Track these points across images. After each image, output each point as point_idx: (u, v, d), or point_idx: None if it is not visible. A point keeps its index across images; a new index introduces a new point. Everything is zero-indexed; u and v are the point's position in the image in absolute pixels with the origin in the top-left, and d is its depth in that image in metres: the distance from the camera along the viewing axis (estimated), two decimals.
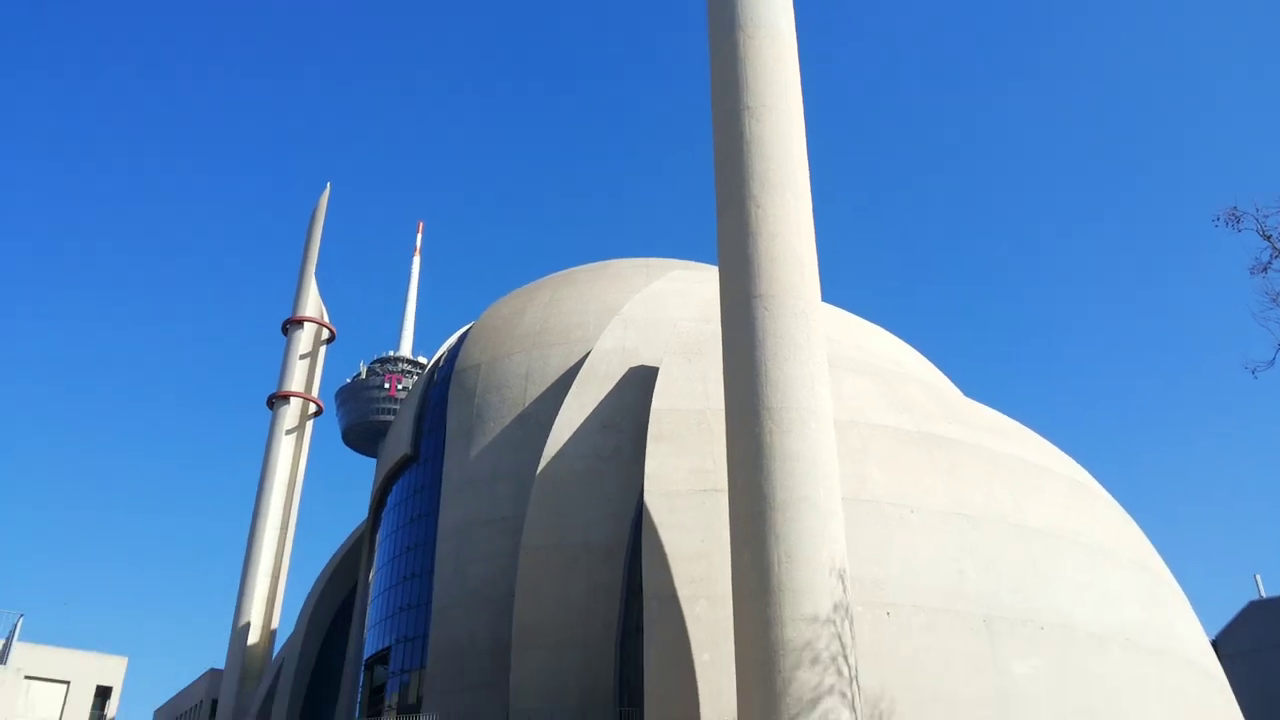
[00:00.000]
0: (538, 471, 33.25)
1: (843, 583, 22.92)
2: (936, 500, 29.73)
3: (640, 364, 35.25)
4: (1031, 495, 32.11)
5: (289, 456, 55.52)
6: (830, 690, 21.23)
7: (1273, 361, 18.55)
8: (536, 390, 37.27)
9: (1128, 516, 36.54)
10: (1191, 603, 35.76)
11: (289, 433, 56.11)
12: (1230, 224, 18.38)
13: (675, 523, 27.83)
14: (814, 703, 21.00)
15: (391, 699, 36.57)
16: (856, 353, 38.29)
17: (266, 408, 57.45)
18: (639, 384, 34.12)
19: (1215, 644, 45.24)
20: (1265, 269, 18.32)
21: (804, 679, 21.21)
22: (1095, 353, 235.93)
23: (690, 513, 28.02)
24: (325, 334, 60.26)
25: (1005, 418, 37.24)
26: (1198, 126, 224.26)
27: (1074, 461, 37.44)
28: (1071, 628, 28.87)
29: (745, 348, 25.17)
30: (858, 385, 33.10)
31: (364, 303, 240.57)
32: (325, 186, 62.74)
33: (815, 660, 21.43)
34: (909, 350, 45.51)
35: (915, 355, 45.58)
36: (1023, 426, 37.36)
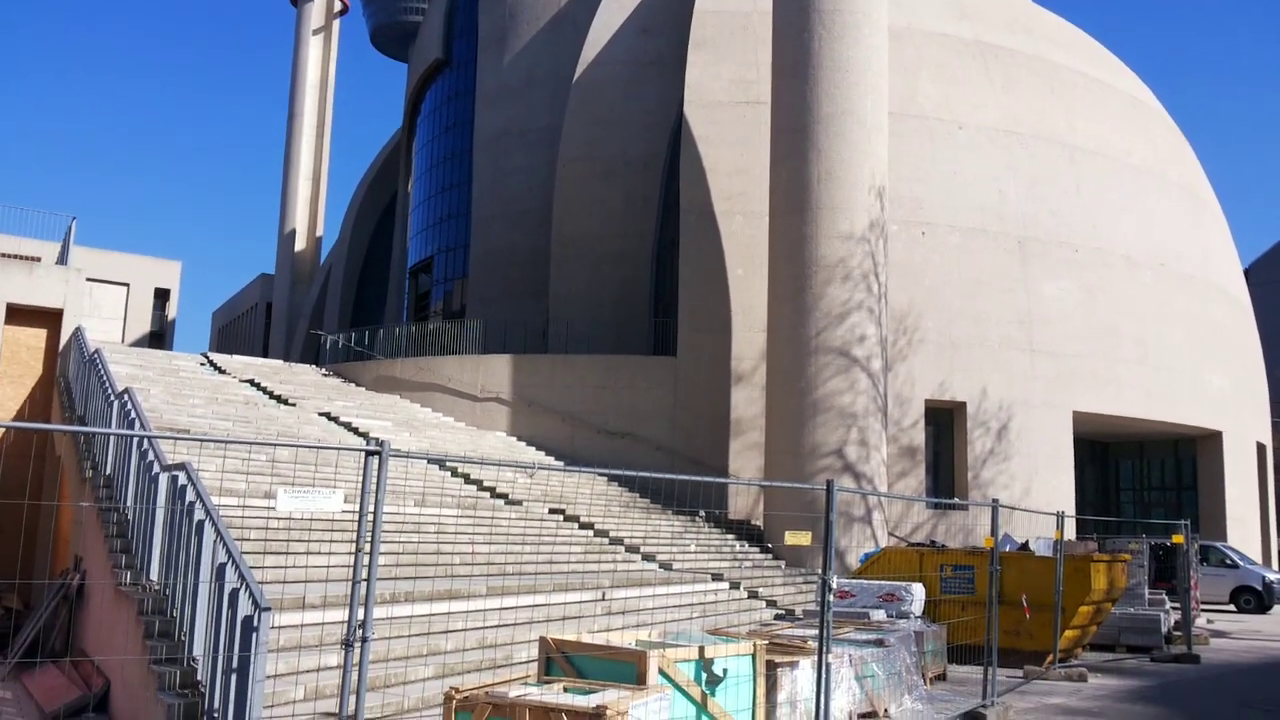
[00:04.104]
0: (574, 79, 32.07)
1: (881, 201, 22.64)
2: (986, 116, 28.59)
3: None
4: (1086, 113, 30.77)
5: (318, 58, 53.87)
6: (859, 305, 21.70)
7: None
8: None
9: (1182, 138, 35.24)
10: (1232, 229, 35.47)
11: (315, 33, 54.02)
12: None
13: (715, 136, 27.14)
14: (842, 317, 21.56)
15: (436, 306, 38.19)
16: None
17: (290, 5, 55.08)
18: None
19: (1248, 272, 45.49)
20: None
21: (834, 294, 21.61)
22: None
23: (730, 125, 27.23)
24: None
25: (1070, 26, 34.77)
26: None
27: (1136, 77, 35.48)
28: (1107, 251, 28.87)
29: None
30: None
31: None
32: None
33: (847, 277, 21.71)
34: None
35: None
36: (1087, 37, 35.02)
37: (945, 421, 26.51)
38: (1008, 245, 27.32)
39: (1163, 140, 33.41)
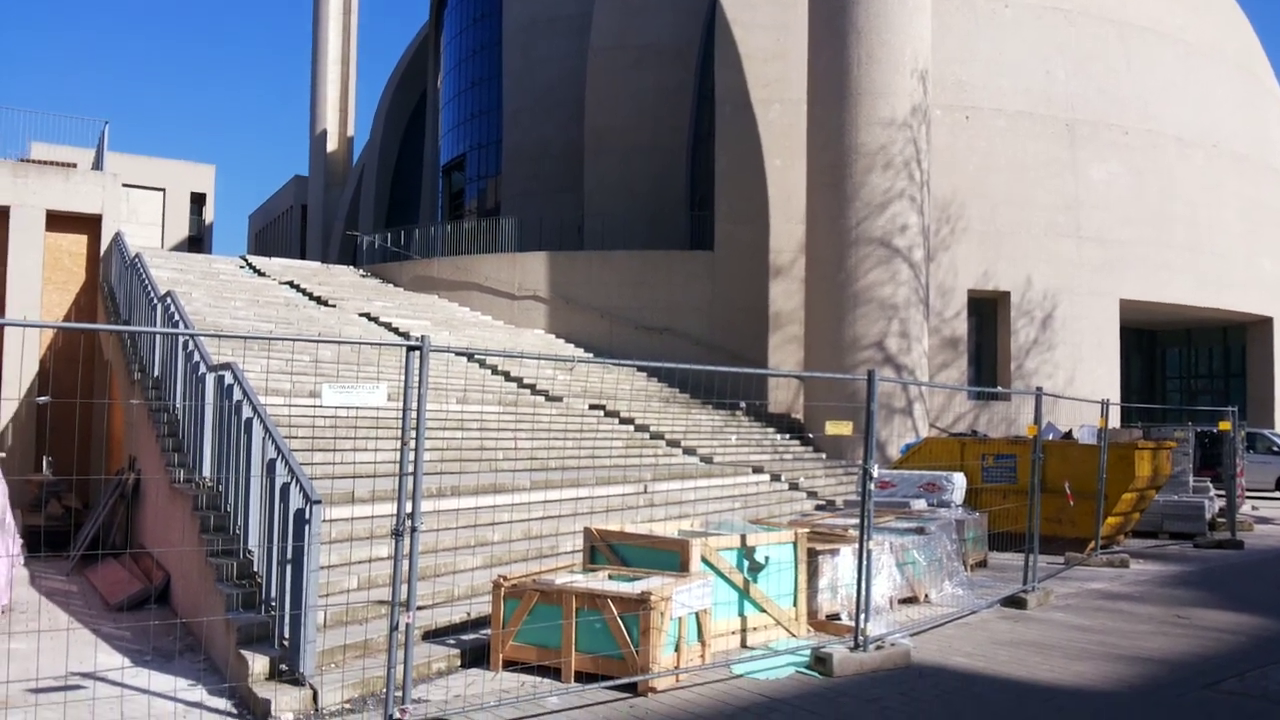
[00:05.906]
0: None
1: (924, 85, 21.93)
2: None
3: None
4: None
5: None
6: (901, 194, 21.22)
7: None
8: None
9: (1240, 12, 33.63)
10: None
11: None
12: None
13: (750, 20, 26.29)
14: (883, 206, 21.12)
15: (471, 204, 37.97)
16: None
17: None
18: None
19: None
20: None
21: (875, 183, 21.13)
22: None
23: (766, 8, 26.34)
24: None
25: None
26: None
27: None
28: (1158, 132, 27.91)
29: None
30: None
31: None
32: None
33: (888, 165, 21.19)
34: None
35: None
36: None
37: (988, 312, 26.16)
38: (1055, 128, 26.49)
39: (1218, 14, 31.92)
